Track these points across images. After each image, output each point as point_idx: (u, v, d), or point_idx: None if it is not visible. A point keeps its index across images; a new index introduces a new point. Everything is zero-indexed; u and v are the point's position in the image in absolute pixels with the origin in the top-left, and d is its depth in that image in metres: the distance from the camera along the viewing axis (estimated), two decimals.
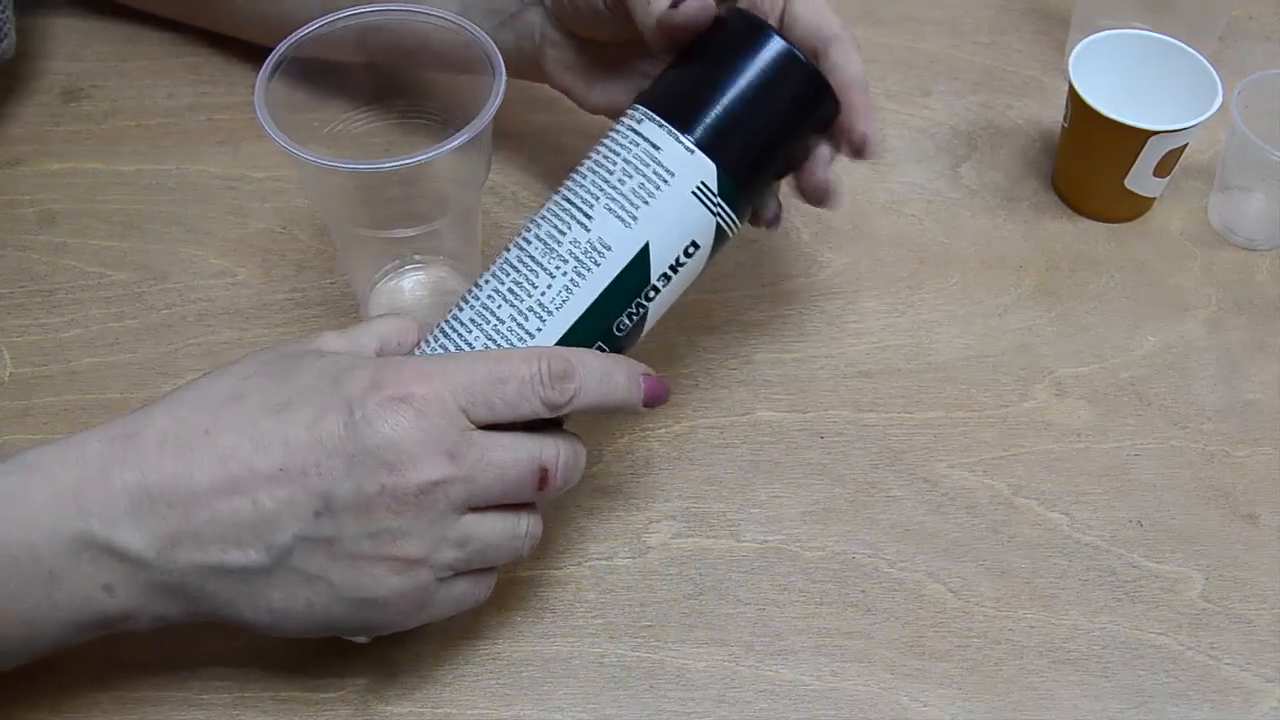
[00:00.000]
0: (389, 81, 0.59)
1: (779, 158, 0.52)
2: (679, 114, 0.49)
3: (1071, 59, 0.67)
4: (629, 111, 0.51)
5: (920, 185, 0.71)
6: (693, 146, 0.49)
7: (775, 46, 0.49)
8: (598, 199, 0.49)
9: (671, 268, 0.50)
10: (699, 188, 0.49)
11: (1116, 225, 0.70)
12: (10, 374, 0.61)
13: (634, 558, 0.56)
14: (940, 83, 0.77)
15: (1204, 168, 0.72)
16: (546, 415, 0.46)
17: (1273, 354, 0.64)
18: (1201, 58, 0.67)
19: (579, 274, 0.48)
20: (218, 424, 0.44)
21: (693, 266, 0.50)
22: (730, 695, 0.52)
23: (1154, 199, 0.70)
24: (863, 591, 0.55)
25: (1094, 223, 0.70)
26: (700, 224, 0.50)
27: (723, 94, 0.49)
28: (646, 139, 0.49)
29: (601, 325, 0.49)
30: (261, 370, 0.46)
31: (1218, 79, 0.66)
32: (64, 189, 0.69)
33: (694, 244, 0.50)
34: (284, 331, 0.63)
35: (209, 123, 0.72)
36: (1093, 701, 0.52)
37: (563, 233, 0.49)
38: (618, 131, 0.50)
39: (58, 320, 0.63)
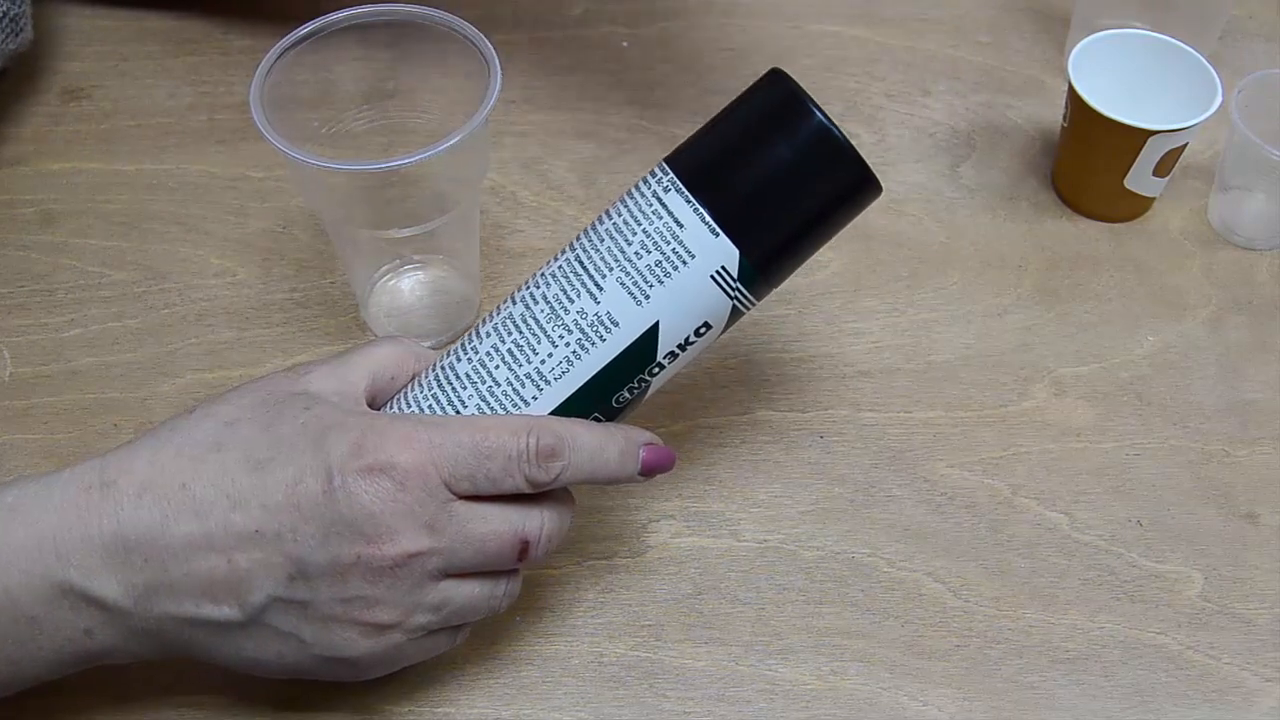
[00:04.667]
0: (387, 81, 0.59)
1: (809, 244, 0.48)
2: (707, 190, 0.46)
3: (1071, 59, 0.67)
4: (656, 173, 0.47)
5: (920, 185, 0.71)
6: (718, 229, 0.46)
7: (814, 127, 0.45)
8: (611, 269, 0.46)
9: (680, 346, 0.47)
10: (719, 272, 0.46)
11: (1116, 225, 0.70)
12: (10, 374, 0.61)
13: (633, 557, 0.56)
14: (940, 82, 0.77)
15: (1204, 167, 0.72)
16: (529, 491, 0.45)
17: (1272, 353, 0.64)
18: (1201, 57, 0.67)
19: (582, 346, 0.46)
20: (196, 477, 0.43)
21: (702, 344, 0.48)
22: (729, 694, 0.52)
23: (1153, 199, 0.70)
24: (862, 591, 0.55)
25: (1094, 222, 0.70)
26: (715, 306, 0.47)
27: (754, 175, 0.46)
28: (670, 213, 0.46)
29: (600, 398, 0.47)
30: (245, 416, 0.45)
31: (1217, 79, 0.66)
32: (64, 189, 0.69)
33: (706, 325, 0.47)
34: (283, 331, 0.63)
35: (209, 122, 0.72)
36: (1092, 701, 0.52)
37: (571, 300, 0.46)
38: (642, 196, 0.47)
39: (58, 320, 0.63)
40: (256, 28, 0.77)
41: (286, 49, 0.54)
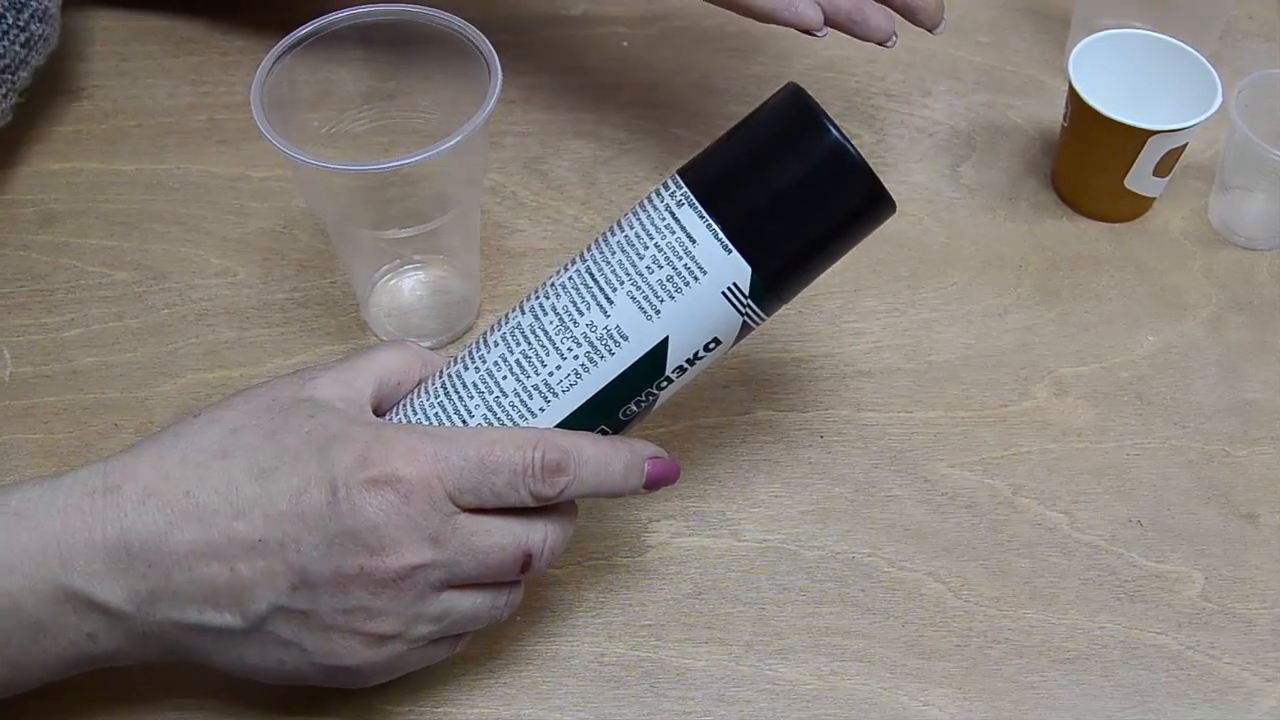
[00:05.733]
0: (388, 82, 0.59)
1: (820, 262, 0.48)
2: (720, 206, 0.45)
3: (1071, 58, 0.67)
4: (670, 185, 0.47)
5: (920, 185, 0.71)
6: (730, 246, 0.45)
7: (830, 144, 0.45)
8: (622, 283, 0.46)
9: (689, 361, 0.47)
10: (731, 288, 0.46)
11: (1116, 225, 0.70)
12: (11, 373, 0.61)
13: (633, 557, 0.56)
14: (940, 82, 0.77)
15: (1204, 167, 0.72)
16: (534, 506, 0.45)
17: (1273, 353, 0.64)
18: (1201, 57, 0.67)
19: (591, 360, 0.46)
20: (200, 484, 0.43)
21: (711, 358, 0.48)
22: (730, 694, 0.52)
23: (1154, 199, 0.70)
24: (862, 591, 0.55)
25: (1094, 222, 0.70)
26: (725, 322, 0.47)
27: (768, 191, 0.45)
28: (683, 228, 0.46)
29: (607, 411, 0.47)
30: (250, 423, 0.45)
31: (1217, 78, 0.66)
32: (64, 188, 0.69)
33: (716, 340, 0.47)
34: (283, 331, 0.63)
35: (209, 122, 0.72)
36: (1092, 701, 0.52)
37: (580, 312, 0.46)
38: (654, 208, 0.47)
39: (58, 320, 0.63)
40: (256, 28, 0.77)
41: (287, 49, 0.54)
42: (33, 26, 0.64)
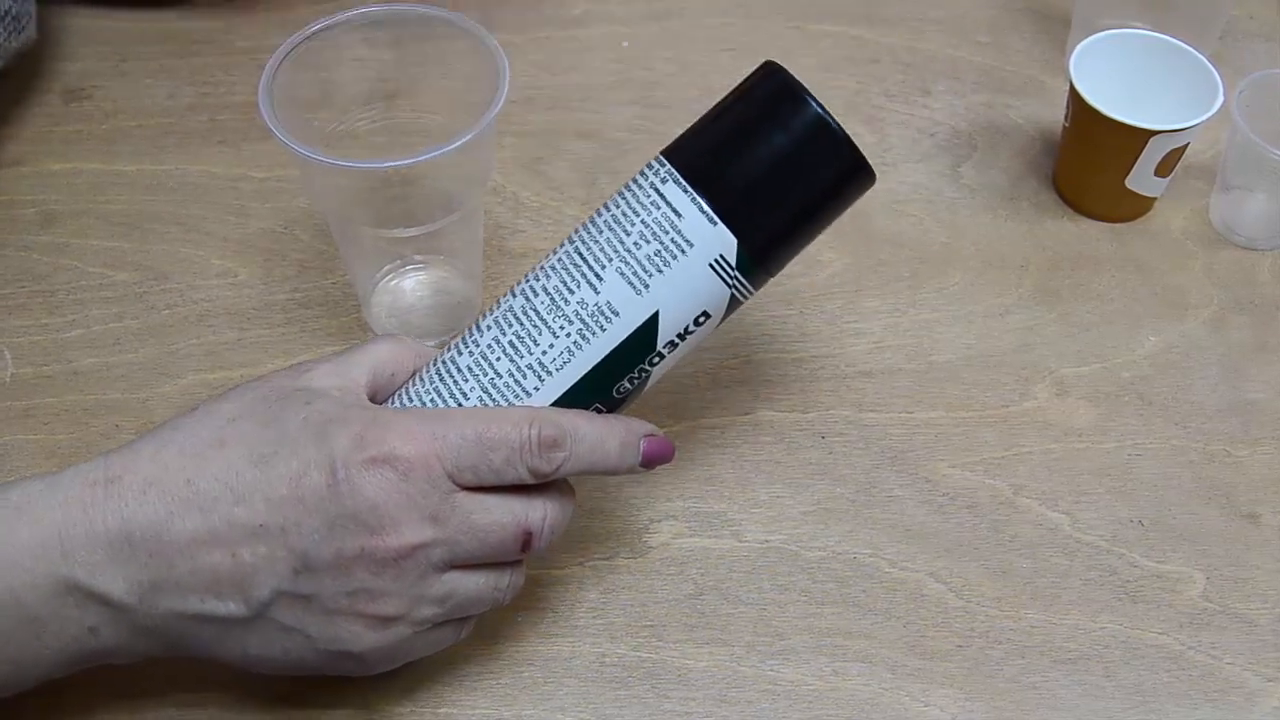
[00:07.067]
0: (393, 81, 0.59)
1: (804, 233, 0.49)
2: (705, 180, 0.46)
3: (1072, 59, 0.67)
4: (654, 165, 0.48)
5: (921, 185, 0.71)
6: (716, 218, 0.46)
7: (810, 118, 0.46)
8: (610, 260, 0.47)
9: (680, 335, 0.48)
10: (717, 260, 0.46)
11: (1117, 225, 0.70)
12: (12, 374, 0.61)
13: (635, 557, 0.56)
14: (941, 82, 0.77)
15: (1205, 167, 0.72)
16: (532, 482, 0.45)
17: (1274, 354, 0.64)
18: (1202, 57, 0.67)
19: (583, 337, 0.47)
20: (201, 472, 0.43)
21: (702, 334, 0.49)
22: (731, 695, 0.52)
23: (1155, 199, 0.70)
24: (864, 591, 0.55)
25: (1095, 222, 0.70)
26: (714, 295, 0.47)
27: (750, 164, 0.46)
28: (668, 203, 0.46)
29: (601, 388, 0.48)
30: (247, 413, 0.45)
31: (1218, 79, 0.66)
32: (65, 189, 0.69)
33: (705, 314, 0.48)
34: (284, 332, 0.63)
35: (210, 123, 0.72)
36: (1094, 701, 0.52)
37: (571, 291, 0.47)
38: (640, 187, 0.47)
39: (59, 321, 0.63)
40: (257, 28, 0.77)
41: (293, 48, 0.54)
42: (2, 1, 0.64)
